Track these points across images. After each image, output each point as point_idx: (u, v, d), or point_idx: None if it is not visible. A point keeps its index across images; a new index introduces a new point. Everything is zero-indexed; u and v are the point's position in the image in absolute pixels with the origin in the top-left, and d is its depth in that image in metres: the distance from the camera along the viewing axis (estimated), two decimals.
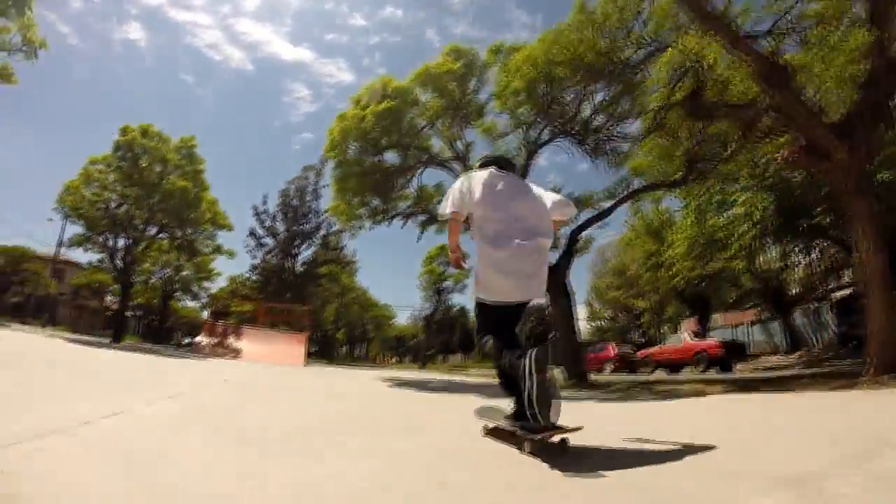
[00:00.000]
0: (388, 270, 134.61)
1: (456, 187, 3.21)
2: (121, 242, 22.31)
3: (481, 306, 3.10)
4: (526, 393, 2.54)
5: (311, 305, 32.65)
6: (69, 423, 2.73)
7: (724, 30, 8.67)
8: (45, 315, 43.03)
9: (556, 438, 2.66)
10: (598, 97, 13.69)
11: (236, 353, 19.69)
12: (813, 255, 21.48)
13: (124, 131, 20.97)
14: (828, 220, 15.54)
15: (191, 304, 39.41)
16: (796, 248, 20.20)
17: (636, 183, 15.29)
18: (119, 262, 22.32)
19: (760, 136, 11.74)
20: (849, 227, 8.38)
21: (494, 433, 3.12)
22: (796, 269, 25.07)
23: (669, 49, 10.95)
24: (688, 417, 4.62)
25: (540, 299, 2.88)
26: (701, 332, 26.47)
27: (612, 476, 2.12)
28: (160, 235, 24.53)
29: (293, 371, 12.94)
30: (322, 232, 33.26)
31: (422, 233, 17.08)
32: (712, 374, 18.15)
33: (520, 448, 2.65)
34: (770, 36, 10.08)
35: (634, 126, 14.28)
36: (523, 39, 14.39)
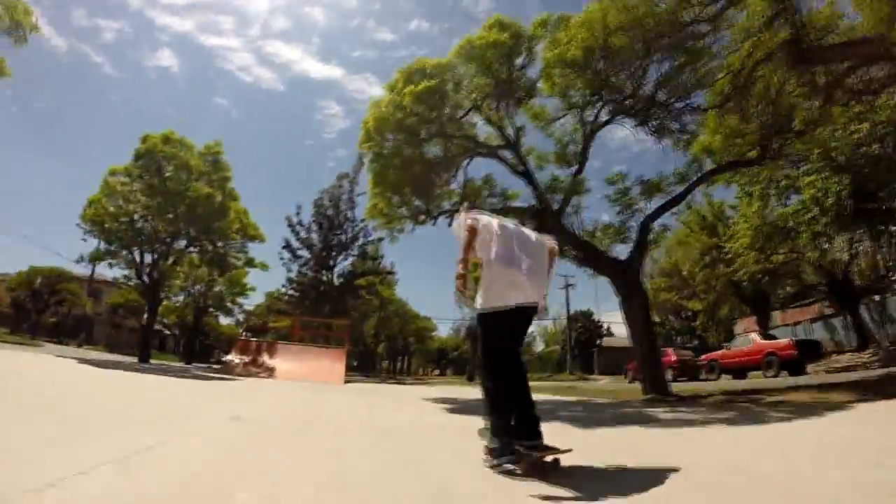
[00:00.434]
0: (426, 281, 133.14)
1: (476, 218, 3.56)
2: (147, 258, 21.20)
3: (495, 317, 3.27)
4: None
5: (350, 319, 31.18)
6: None
7: None
8: (81, 335, 43.09)
9: (548, 458, 3.03)
10: (661, 68, 11.79)
11: (270, 372, 18.23)
12: (882, 242, 19.05)
13: (144, 139, 19.80)
14: None
15: (227, 321, 38.61)
16: (864, 236, 17.97)
17: (708, 164, 13.46)
18: (146, 278, 21.17)
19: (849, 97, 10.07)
20: None
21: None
22: (863, 259, 22.71)
23: None
24: None
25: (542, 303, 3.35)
26: (763, 332, 23.99)
27: None
28: (189, 249, 23.40)
29: (328, 392, 11.26)
30: (359, 241, 31.72)
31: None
32: (785, 377, 15.95)
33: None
34: None
35: (701, 100, 12.42)
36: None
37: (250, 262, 25.34)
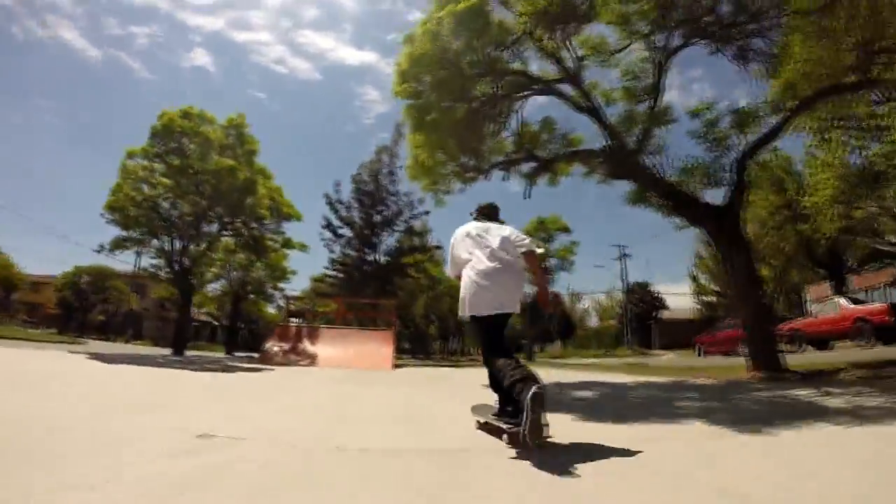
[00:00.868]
0: None
1: (450, 250, 4.27)
2: (177, 245, 19.85)
3: (474, 320, 3.90)
4: (522, 425, 3.13)
5: (398, 299, 29.44)
6: None
7: None
8: (128, 331, 43.15)
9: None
10: None
11: (312, 360, 16.70)
12: None
13: (161, 116, 18.24)
14: None
15: (273, 309, 37.52)
16: None
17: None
18: (176, 266, 19.82)
19: None
20: None
21: (485, 427, 4.04)
22: None
23: None
24: None
25: (512, 309, 3.83)
26: (849, 296, 20.93)
27: None
28: (222, 233, 21.99)
29: (370, 383, 9.41)
30: (404, 216, 29.79)
31: (530, 186, 13.03)
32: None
33: (500, 438, 3.54)
34: None
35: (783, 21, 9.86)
36: None
37: (288, 244, 23.73)
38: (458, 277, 4.03)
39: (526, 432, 3.08)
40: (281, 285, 28.38)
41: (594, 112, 11.77)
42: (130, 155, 18.46)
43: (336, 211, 29.24)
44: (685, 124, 11.80)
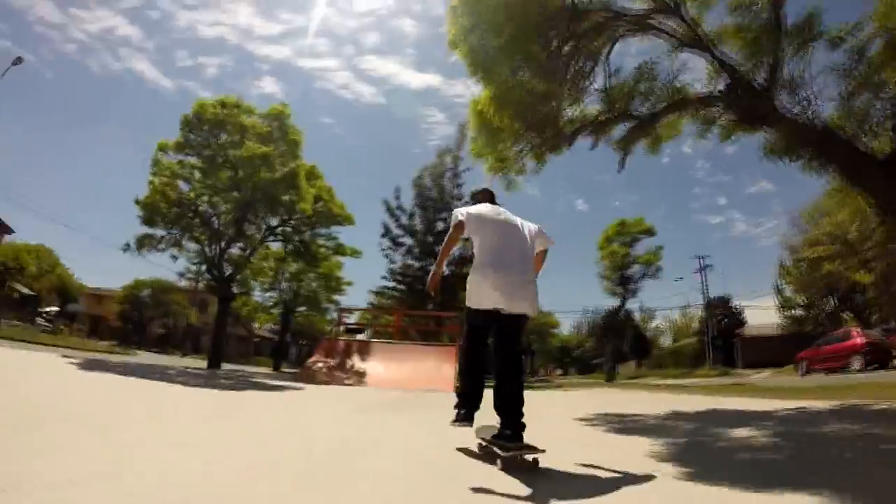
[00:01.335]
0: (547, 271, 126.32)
1: (465, 209, 3.64)
2: (216, 248, 18.09)
3: (472, 315, 3.41)
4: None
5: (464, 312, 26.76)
6: None
7: None
8: (186, 344, 42.66)
9: (528, 457, 3.11)
10: None
11: (359, 378, 14.42)
12: None
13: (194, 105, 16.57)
14: None
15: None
16: None
17: None
18: (215, 272, 18.05)
19: None
20: None
21: (485, 448, 3.55)
22: None
23: None
24: None
25: (530, 312, 3.40)
26: None
27: None
28: (269, 239, 20.21)
29: (421, 409, 6.94)
30: None
31: (624, 156, 10.19)
32: None
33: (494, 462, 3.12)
34: None
35: None
36: None
37: (340, 250, 21.69)
38: (457, 231, 3.54)
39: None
40: (336, 297, 26.44)
41: (705, 46, 8.88)
42: (162, 148, 16.82)
43: (396, 218, 26.98)
44: (821, 58, 8.60)
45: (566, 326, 71.98)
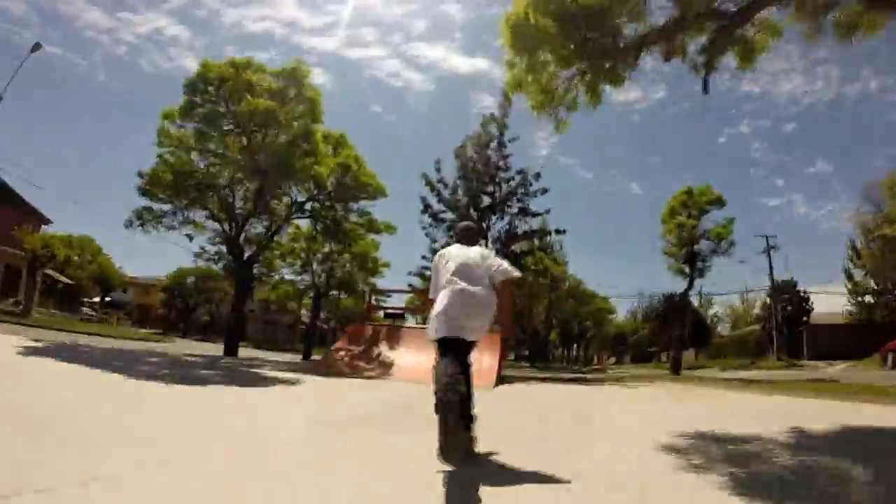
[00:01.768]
0: (592, 247, 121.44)
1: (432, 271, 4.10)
2: (234, 226, 16.21)
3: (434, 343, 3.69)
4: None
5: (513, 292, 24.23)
6: None
7: None
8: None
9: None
10: None
11: (385, 369, 12.25)
12: None
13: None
14: None
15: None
16: None
17: None
18: (235, 250, 16.17)
19: None
20: None
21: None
22: None
23: None
24: None
25: (475, 337, 3.68)
26: None
27: None
28: (296, 216, 18.22)
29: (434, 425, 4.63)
30: (517, 195, 24.37)
31: (708, 73, 7.55)
32: None
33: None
34: None
35: None
36: None
37: (373, 226, 19.47)
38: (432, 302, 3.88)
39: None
40: (373, 280, 24.32)
41: None
42: (168, 117, 14.87)
43: (437, 192, 24.41)
44: None
45: (621, 312, 68.11)
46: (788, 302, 39.62)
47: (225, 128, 14.60)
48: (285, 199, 18.03)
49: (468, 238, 4.21)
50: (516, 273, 3.95)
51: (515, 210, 24.45)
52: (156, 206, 15.29)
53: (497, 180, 24.55)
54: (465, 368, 3.44)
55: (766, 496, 2.46)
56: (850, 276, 37.19)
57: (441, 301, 3.62)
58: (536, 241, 26.06)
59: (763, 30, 7.48)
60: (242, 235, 16.50)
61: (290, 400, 6.74)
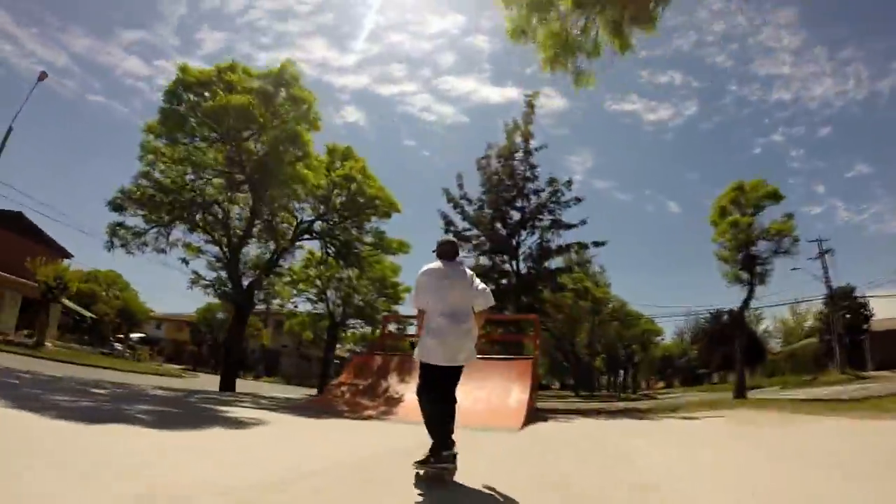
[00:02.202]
0: (635, 272, 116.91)
1: (415, 285, 4.17)
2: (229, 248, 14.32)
3: (421, 365, 3.90)
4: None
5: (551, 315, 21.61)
6: None
7: None
8: (259, 367, 40.27)
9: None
10: None
11: (388, 408, 10.02)
12: None
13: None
14: None
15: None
16: None
17: None
18: (227, 273, 14.29)
19: None
20: None
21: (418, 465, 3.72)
22: None
23: None
24: None
25: (466, 361, 3.88)
26: None
27: None
28: (303, 238, 16.29)
29: None
30: (549, 206, 21.72)
31: None
32: None
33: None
34: None
35: None
36: None
37: (383, 244, 17.29)
38: (422, 312, 4.07)
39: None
40: (395, 308, 22.04)
41: None
42: (150, 130, 13.19)
43: (461, 209, 21.99)
44: None
45: (667, 334, 63.69)
46: (847, 310, 35.57)
47: (206, 135, 12.79)
48: (289, 219, 16.16)
49: (450, 254, 4.25)
50: (492, 302, 4.15)
51: (547, 223, 21.75)
52: (130, 221, 13.46)
53: (525, 192, 22.00)
54: (452, 402, 3.84)
55: None
56: None
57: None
58: (574, 255, 23.43)
59: None
60: (240, 258, 14.58)
61: (206, 453, 4.45)
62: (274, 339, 43.99)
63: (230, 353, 14.95)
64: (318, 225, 16.41)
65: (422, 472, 3.56)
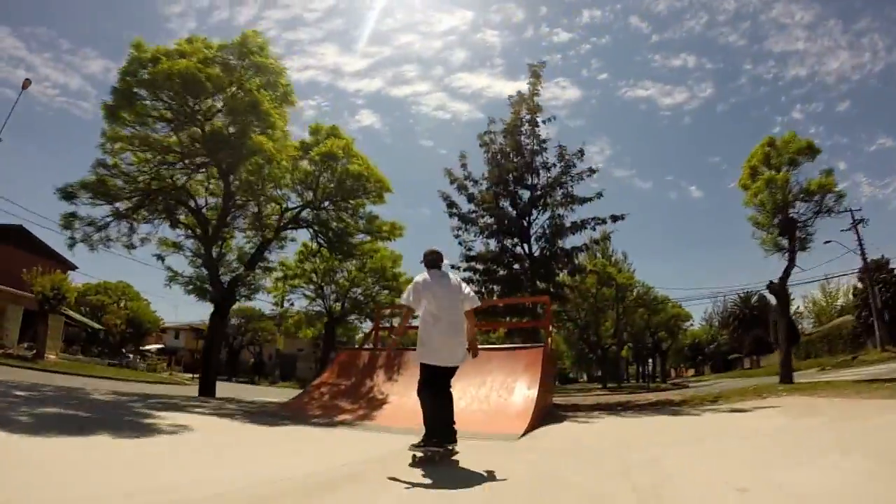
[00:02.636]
0: (661, 258, 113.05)
1: (412, 287, 4.46)
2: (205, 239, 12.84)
3: (424, 365, 4.34)
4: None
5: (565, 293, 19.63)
6: None
7: None
8: (275, 372, 39.25)
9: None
10: None
11: (369, 411, 8.34)
12: None
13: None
14: None
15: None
16: None
17: None
18: (204, 268, 12.82)
19: None
20: None
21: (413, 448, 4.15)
22: None
23: None
24: None
25: (460, 363, 4.39)
26: None
27: None
28: (289, 227, 14.76)
29: None
30: (562, 179, 19.44)
31: None
32: None
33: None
34: None
35: None
36: None
37: (373, 226, 15.55)
38: (409, 310, 4.55)
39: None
40: (399, 300, 20.39)
41: None
42: (109, 115, 11.68)
43: (466, 190, 19.90)
44: None
45: (695, 320, 60.66)
46: (884, 284, 32.70)
47: (161, 112, 11.26)
48: (275, 209, 14.60)
49: (437, 263, 4.67)
50: (478, 303, 4.63)
51: (559, 198, 19.52)
52: (92, 212, 11.99)
53: (534, 166, 19.85)
54: (449, 393, 4.38)
55: None
56: None
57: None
58: (592, 232, 21.34)
59: None
60: (219, 251, 13.08)
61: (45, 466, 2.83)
62: (289, 343, 42.80)
63: (209, 355, 13.43)
64: (306, 213, 14.82)
65: (419, 454, 3.98)
